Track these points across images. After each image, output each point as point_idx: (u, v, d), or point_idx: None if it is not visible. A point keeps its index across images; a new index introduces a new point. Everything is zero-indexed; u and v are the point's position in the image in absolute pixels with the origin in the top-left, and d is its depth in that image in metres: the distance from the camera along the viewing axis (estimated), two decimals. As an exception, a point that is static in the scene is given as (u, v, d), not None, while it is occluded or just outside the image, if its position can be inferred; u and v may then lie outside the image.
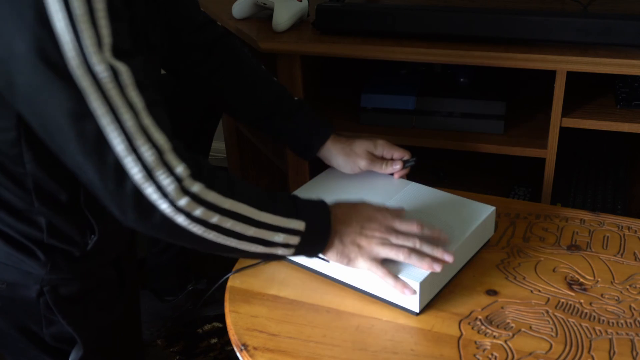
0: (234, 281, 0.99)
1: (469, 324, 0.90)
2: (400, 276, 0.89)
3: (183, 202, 0.78)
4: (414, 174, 1.17)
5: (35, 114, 0.76)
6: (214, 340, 1.55)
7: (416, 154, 1.19)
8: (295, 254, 0.90)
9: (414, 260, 0.89)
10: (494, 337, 0.87)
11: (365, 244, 0.90)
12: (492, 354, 0.84)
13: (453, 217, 1.01)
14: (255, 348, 0.87)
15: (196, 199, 0.79)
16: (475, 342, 0.87)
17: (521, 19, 1.26)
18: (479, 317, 0.91)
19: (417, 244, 0.91)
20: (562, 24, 1.24)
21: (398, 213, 0.96)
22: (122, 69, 0.74)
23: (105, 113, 0.74)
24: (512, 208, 1.15)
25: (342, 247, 0.91)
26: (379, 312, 0.92)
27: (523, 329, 0.88)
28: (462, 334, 0.88)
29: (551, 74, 1.25)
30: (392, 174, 1.13)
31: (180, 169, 0.79)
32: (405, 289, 0.89)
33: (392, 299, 0.92)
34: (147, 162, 0.76)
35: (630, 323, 0.89)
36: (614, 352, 0.84)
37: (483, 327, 0.89)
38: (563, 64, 1.22)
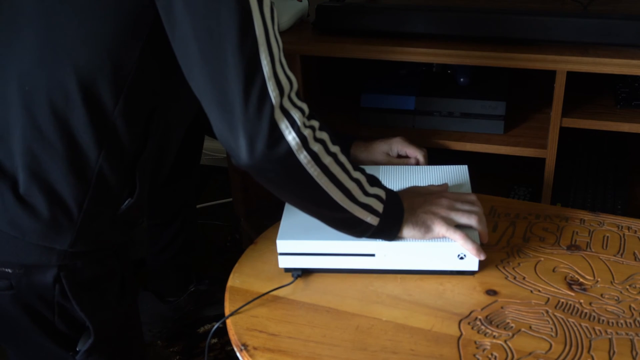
0: (234, 281, 0.99)
1: (468, 324, 0.90)
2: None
3: (306, 132, 0.82)
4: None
5: (196, 28, 0.79)
6: (214, 340, 1.55)
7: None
8: (379, 224, 0.91)
9: (482, 225, 0.96)
10: (494, 337, 0.87)
11: (438, 211, 0.95)
12: (492, 354, 0.85)
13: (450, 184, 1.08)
14: (255, 348, 0.87)
15: (315, 134, 0.84)
16: (475, 342, 0.87)
17: (521, 19, 1.26)
18: (479, 317, 0.91)
19: (479, 209, 0.98)
20: (562, 24, 1.24)
21: (445, 188, 1.05)
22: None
23: (261, 33, 0.79)
24: (512, 208, 1.15)
25: (416, 218, 0.95)
26: (378, 312, 0.92)
27: (523, 329, 0.88)
28: (462, 334, 0.88)
29: (551, 74, 1.25)
30: None
31: (302, 105, 0.84)
32: (482, 253, 0.94)
33: (451, 267, 0.96)
34: (283, 89, 0.81)
35: (630, 323, 0.89)
36: (614, 352, 0.84)
37: (483, 327, 0.89)
38: (563, 64, 1.22)
